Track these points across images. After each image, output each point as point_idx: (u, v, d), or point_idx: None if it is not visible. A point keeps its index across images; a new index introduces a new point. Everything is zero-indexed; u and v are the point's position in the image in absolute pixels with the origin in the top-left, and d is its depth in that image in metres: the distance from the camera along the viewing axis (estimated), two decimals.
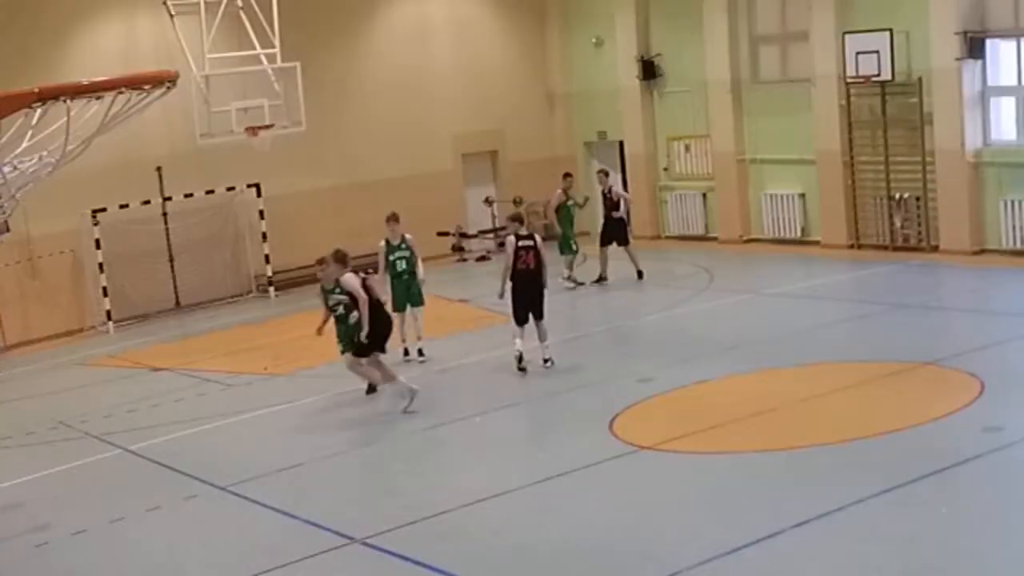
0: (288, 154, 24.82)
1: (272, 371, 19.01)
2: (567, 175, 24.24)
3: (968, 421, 13.22)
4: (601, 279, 22.92)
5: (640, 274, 22.89)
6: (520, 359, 16.98)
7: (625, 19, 27.75)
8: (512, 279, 17.14)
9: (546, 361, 17.17)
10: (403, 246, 18.34)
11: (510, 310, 17.32)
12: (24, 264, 23.04)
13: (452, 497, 12.44)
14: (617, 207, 23.15)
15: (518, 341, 17.02)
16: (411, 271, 18.30)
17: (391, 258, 18.31)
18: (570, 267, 23.07)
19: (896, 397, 14.52)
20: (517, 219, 17.71)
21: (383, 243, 18.41)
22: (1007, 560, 9.83)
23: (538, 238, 17.48)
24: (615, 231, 23.08)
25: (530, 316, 17.17)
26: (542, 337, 17.22)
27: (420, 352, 18.47)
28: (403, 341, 18.43)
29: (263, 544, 11.93)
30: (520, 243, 17.19)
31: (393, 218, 18.52)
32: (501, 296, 17.38)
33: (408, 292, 18.37)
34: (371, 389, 16.68)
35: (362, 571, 11.19)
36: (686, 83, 27.00)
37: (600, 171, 24.38)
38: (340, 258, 16.17)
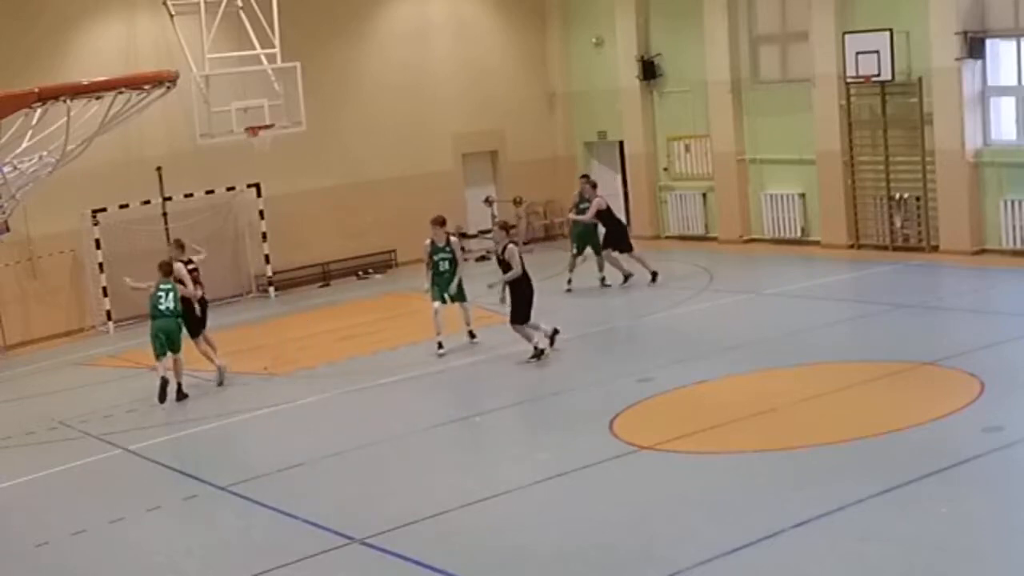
0: (288, 154, 24.81)
1: (272, 371, 19.01)
2: (584, 176, 23.73)
3: (968, 421, 13.21)
4: (627, 277, 22.73)
5: (603, 280, 22.72)
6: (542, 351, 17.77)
7: (625, 19, 27.73)
8: (519, 283, 17.87)
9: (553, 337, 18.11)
10: (447, 248, 19.03)
11: (513, 313, 18.02)
12: (24, 264, 23.04)
13: (452, 497, 12.44)
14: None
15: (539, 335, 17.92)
16: (452, 271, 18.94)
17: (435, 258, 19.04)
18: (598, 268, 22.87)
19: (896, 397, 14.52)
20: (508, 227, 18.75)
21: (428, 243, 19.05)
22: (1007, 560, 9.83)
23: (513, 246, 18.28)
24: (612, 235, 22.73)
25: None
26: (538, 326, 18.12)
27: (472, 335, 19.39)
28: (437, 334, 18.81)
29: (263, 544, 11.93)
30: (520, 249, 18.17)
31: (438, 221, 19.21)
32: (503, 300, 18.08)
33: (447, 287, 18.98)
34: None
35: (362, 571, 11.19)
36: (686, 83, 26.99)
37: (583, 176, 23.86)
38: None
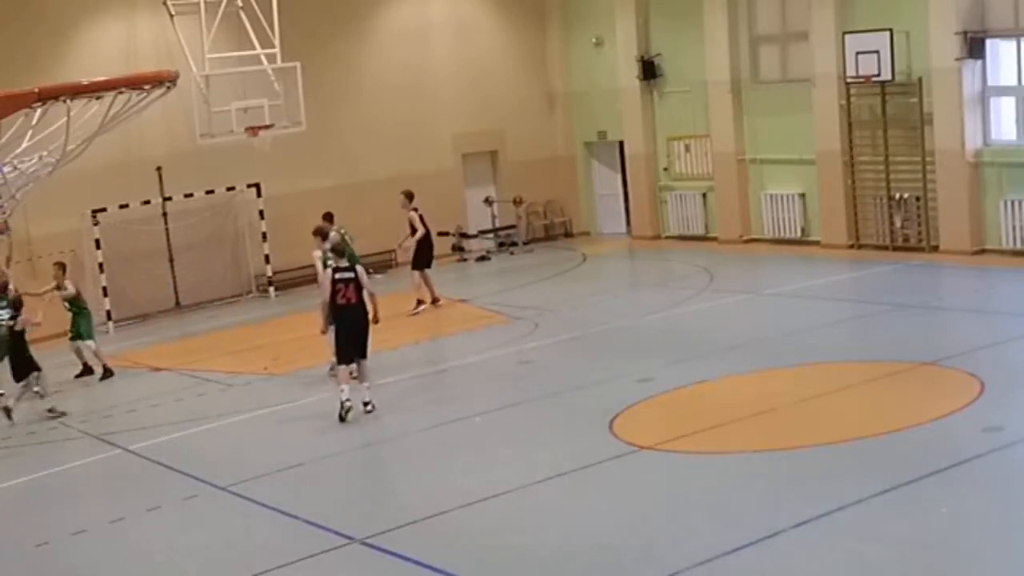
0: (288, 154, 24.82)
1: (272, 371, 19.01)
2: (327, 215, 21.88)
3: (968, 421, 13.21)
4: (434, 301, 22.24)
5: (435, 300, 22.24)
6: (344, 407, 15.47)
7: (625, 19, 27.74)
8: (334, 315, 15.75)
9: (367, 404, 15.77)
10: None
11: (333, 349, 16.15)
12: (24, 264, 23.00)
13: (452, 497, 12.44)
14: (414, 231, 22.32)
15: (345, 387, 15.55)
16: None
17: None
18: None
19: (896, 397, 14.52)
20: (337, 250, 16.27)
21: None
22: (1007, 560, 9.82)
23: (359, 269, 15.89)
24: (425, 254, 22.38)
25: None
26: (362, 378, 15.84)
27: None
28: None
29: (263, 544, 11.92)
30: (337, 275, 15.71)
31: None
32: (324, 332, 16.15)
33: None
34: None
35: (362, 571, 11.19)
36: (686, 83, 27.00)
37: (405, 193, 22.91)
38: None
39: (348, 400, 15.50)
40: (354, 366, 15.77)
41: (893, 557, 10.00)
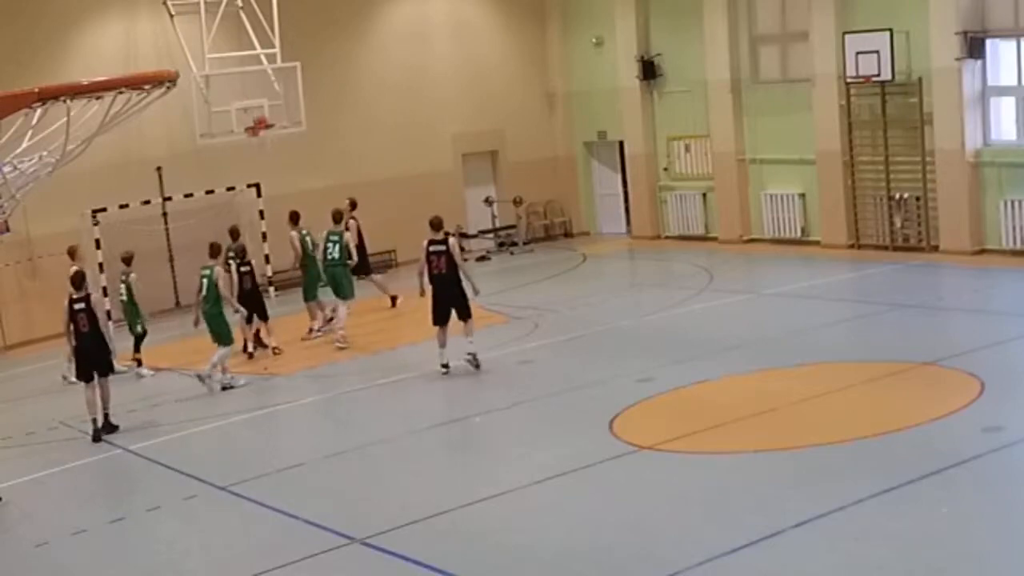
0: (288, 154, 24.82)
1: (272, 371, 19.02)
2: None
3: (968, 421, 13.21)
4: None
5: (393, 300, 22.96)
6: (443, 365, 17.45)
7: (625, 19, 27.75)
8: (430, 282, 17.53)
9: (471, 356, 17.48)
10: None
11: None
12: (24, 264, 23.03)
13: (452, 497, 12.44)
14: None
15: (441, 351, 17.46)
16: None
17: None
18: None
19: (896, 397, 14.52)
20: (433, 225, 17.68)
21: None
22: (1007, 560, 9.83)
23: (452, 241, 17.46)
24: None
25: (451, 314, 17.46)
26: (468, 332, 17.53)
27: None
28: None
29: (263, 544, 11.93)
30: (431, 248, 17.40)
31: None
32: (422, 294, 17.76)
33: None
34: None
35: (362, 571, 11.19)
36: (686, 83, 27.01)
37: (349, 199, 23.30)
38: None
39: (446, 363, 17.39)
40: (444, 329, 17.39)
41: (894, 557, 10.00)
